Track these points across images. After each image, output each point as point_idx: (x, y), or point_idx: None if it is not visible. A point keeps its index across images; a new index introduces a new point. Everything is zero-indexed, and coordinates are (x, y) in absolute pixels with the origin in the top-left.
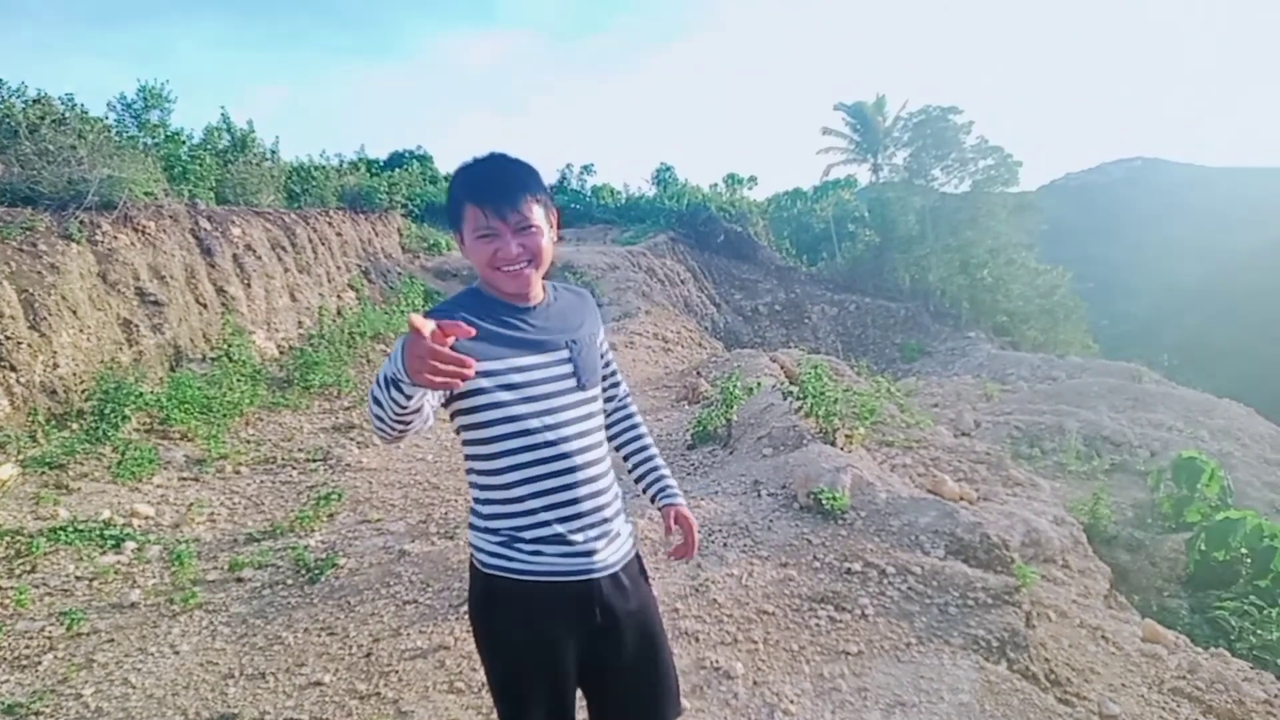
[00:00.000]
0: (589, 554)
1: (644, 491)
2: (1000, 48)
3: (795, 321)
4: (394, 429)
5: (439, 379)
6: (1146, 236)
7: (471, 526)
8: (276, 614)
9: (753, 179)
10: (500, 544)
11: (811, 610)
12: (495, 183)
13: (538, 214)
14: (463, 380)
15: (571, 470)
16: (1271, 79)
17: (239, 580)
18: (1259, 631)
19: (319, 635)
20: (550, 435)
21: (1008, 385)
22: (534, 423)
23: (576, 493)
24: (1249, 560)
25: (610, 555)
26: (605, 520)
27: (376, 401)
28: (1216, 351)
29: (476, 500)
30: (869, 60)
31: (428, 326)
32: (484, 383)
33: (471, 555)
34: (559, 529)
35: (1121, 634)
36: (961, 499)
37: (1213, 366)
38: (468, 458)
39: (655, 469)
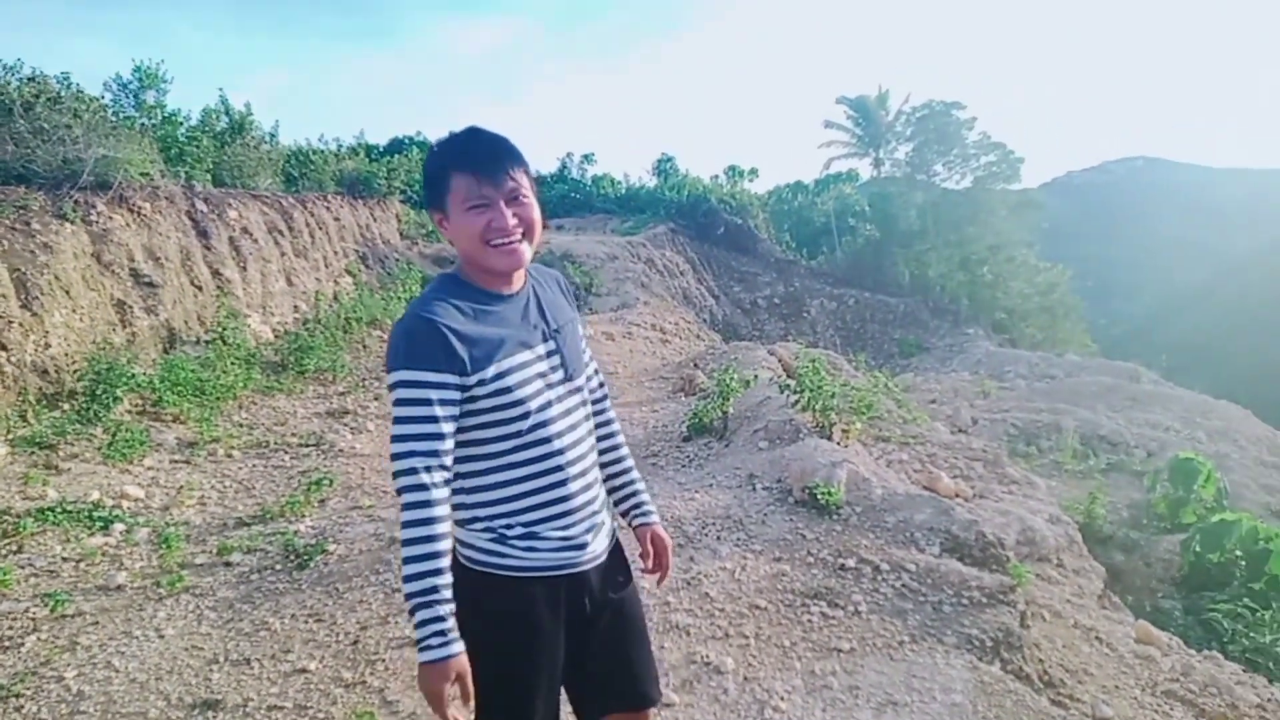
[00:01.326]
0: (581, 547)
1: (616, 505)
2: (1003, 43)
3: (794, 315)
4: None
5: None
6: (1146, 236)
7: (457, 523)
8: (264, 599)
9: (754, 171)
10: (492, 540)
11: (804, 606)
12: (484, 150)
13: (526, 183)
14: None
15: (564, 467)
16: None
17: (227, 565)
18: (1252, 634)
19: (306, 622)
20: (542, 433)
21: (1005, 383)
22: (526, 423)
23: (569, 488)
24: (1243, 563)
25: (598, 546)
26: (594, 513)
27: (407, 557)
28: (1214, 353)
29: (464, 499)
30: (871, 53)
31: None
32: (479, 390)
33: (456, 552)
34: (552, 524)
35: (1115, 635)
36: (957, 496)
37: (1210, 368)
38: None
39: (630, 482)
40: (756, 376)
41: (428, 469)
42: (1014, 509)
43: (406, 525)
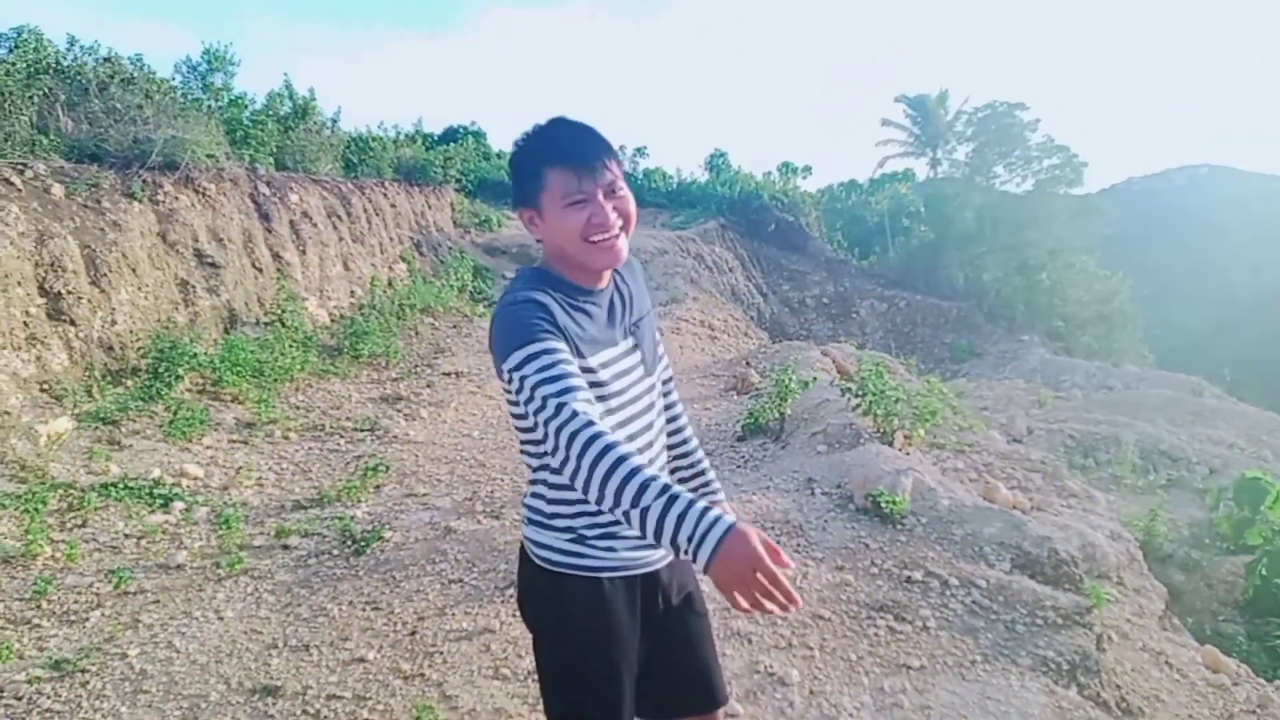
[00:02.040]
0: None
1: (683, 485)
2: (1066, 44)
3: (843, 315)
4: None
5: (750, 603)
6: (1207, 246)
7: (533, 523)
8: (321, 584)
9: (807, 169)
10: (571, 541)
11: (870, 619)
12: (578, 142)
13: (620, 174)
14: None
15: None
16: None
17: (285, 547)
18: None
19: (363, 609)
20: (625, 431)
21: (1061, 392)
22: (611, 420)
23: None
24: None
25: None
26: None
27: (632, 496)
28: (1275, 369)
29: (543, 496)
30: (929, 55)
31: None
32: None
33: (531, 553)
34: None
35: (1182, 659)
36: (1015, 507)
37: (1271, 384)
38: (535, 455)
39: (698, 462)
40: (816, 378)
41: (590, 416)
42: (1074, 523)
43: (607, 476)
